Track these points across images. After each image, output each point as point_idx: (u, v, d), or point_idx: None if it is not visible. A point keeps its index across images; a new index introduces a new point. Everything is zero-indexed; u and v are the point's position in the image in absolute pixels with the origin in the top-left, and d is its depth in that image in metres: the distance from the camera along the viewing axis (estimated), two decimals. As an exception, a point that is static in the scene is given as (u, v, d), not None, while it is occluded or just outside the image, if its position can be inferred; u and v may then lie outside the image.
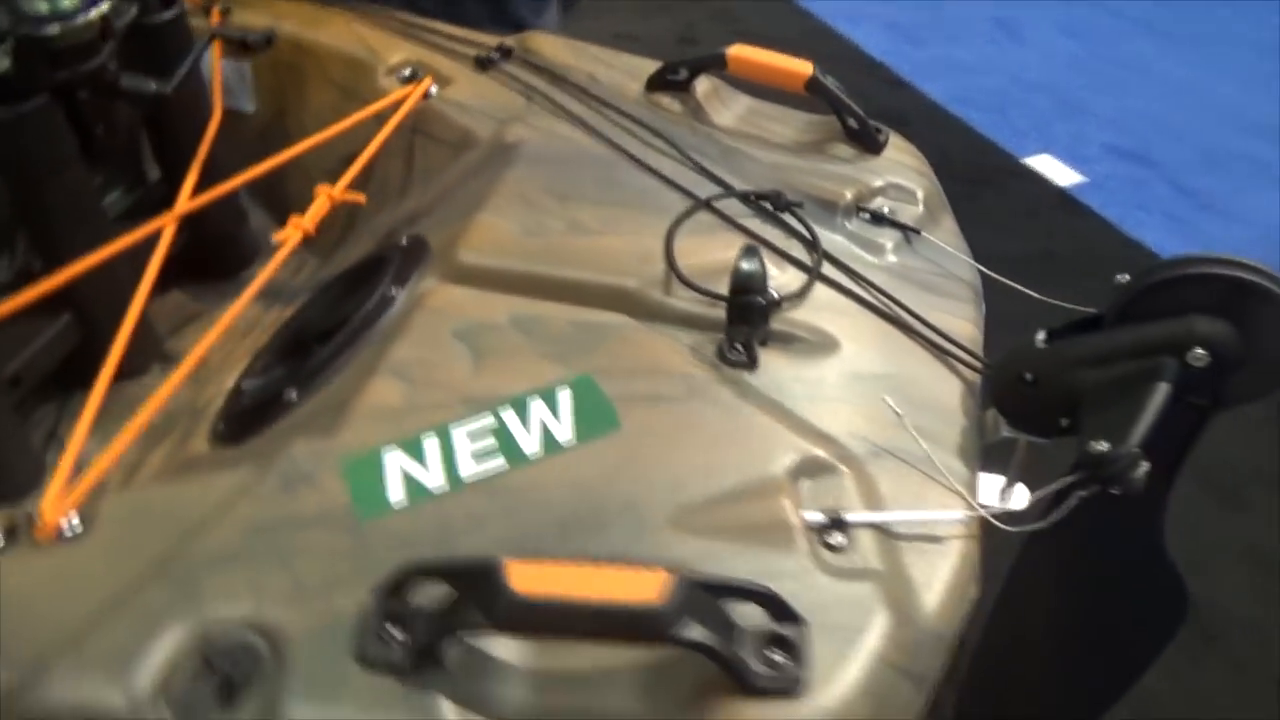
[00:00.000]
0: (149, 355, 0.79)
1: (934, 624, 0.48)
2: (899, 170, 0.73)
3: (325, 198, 0.69)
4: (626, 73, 0.81)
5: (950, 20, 3.53)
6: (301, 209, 0.91)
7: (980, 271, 0.69)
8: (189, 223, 0.78)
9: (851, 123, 0.73)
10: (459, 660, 0.43)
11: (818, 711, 0.43)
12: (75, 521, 0.49)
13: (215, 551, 0.47)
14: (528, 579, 0.40)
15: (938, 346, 0.60)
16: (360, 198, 0.72)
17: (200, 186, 0.72)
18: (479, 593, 0.41)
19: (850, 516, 0.50)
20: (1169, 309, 0.51)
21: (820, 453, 0.53)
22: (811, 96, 0.75)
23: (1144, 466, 0.49)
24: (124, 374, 0.78)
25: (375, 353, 0.58)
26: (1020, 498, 0.60)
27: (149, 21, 0.70)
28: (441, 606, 0.42)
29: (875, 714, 0.44)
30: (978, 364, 0.60)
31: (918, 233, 0.68)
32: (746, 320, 0.59)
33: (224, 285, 0.86)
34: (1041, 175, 2.82)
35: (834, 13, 3.45)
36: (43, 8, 0.59)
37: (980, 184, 2.73)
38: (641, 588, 0.40)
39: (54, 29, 0.58)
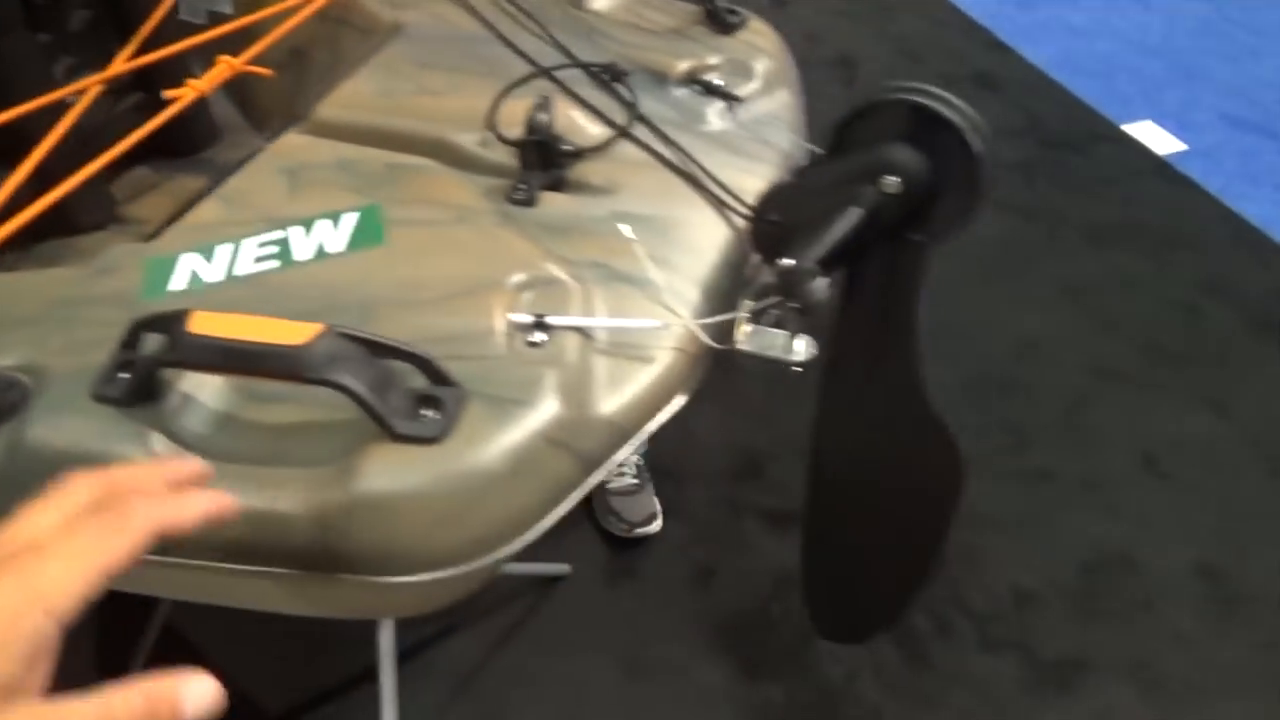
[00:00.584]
0: (105, 215, 0.91)
1: (609, 415, 0.52)
2: (743, 49, 0.76)
3: (225, 65, 0.78)
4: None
5: (1067, -18, 3.37)
6: (257, 103, 1.01)
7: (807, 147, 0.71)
8: (150, 101, 0.90)
9: (708, 6, 0.76)
10: (174, 403, 0.51)
11: (453, 458, 0.48)
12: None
13: (20, 316, 0.57)
14: (204, 324, 0.47)
15: (718, 199, 0.64)
16: (263, 71, 0.81)
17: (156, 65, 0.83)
18: (170, 335, 0.48)
19: (552, 319, 0.54)
20: (871, 139, 0.53)
21: (554, 270, 0.58)
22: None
23: (822, 281, 0.52)
24: (81, 228, 0.90)
25: (218, 184, 0.67)
26: (808, 346, 0.62)
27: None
28: (151, 350, 0.50)
29: (517, 472, 0.49)
30: (748, 212, 0.63)
31: (739, 100, 0.71)
32: (533, 163, 0.64)
33: (184, 162, 0.98)
34: (1139, 142, 2.67)
35: (940, -26, 3.35)
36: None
37: (1068, 148, 2.62)
38: (296, 335, 0.47)
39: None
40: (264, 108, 0.99)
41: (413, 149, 0.68)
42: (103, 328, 0.55)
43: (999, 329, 2.12)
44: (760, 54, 0.76)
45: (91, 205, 0.90)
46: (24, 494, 0.31)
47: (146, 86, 0.93)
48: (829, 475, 0.70)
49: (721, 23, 0.77)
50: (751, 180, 0.66)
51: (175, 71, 0.83)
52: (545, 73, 0.73)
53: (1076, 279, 2.24)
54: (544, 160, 0.64)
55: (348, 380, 0.47)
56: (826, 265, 0.52)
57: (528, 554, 0.51)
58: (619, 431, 0.53)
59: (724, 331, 0.56)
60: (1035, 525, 1.77)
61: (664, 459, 1.77)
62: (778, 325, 0.53)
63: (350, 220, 0.62)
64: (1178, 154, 2.62)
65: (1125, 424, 1.97)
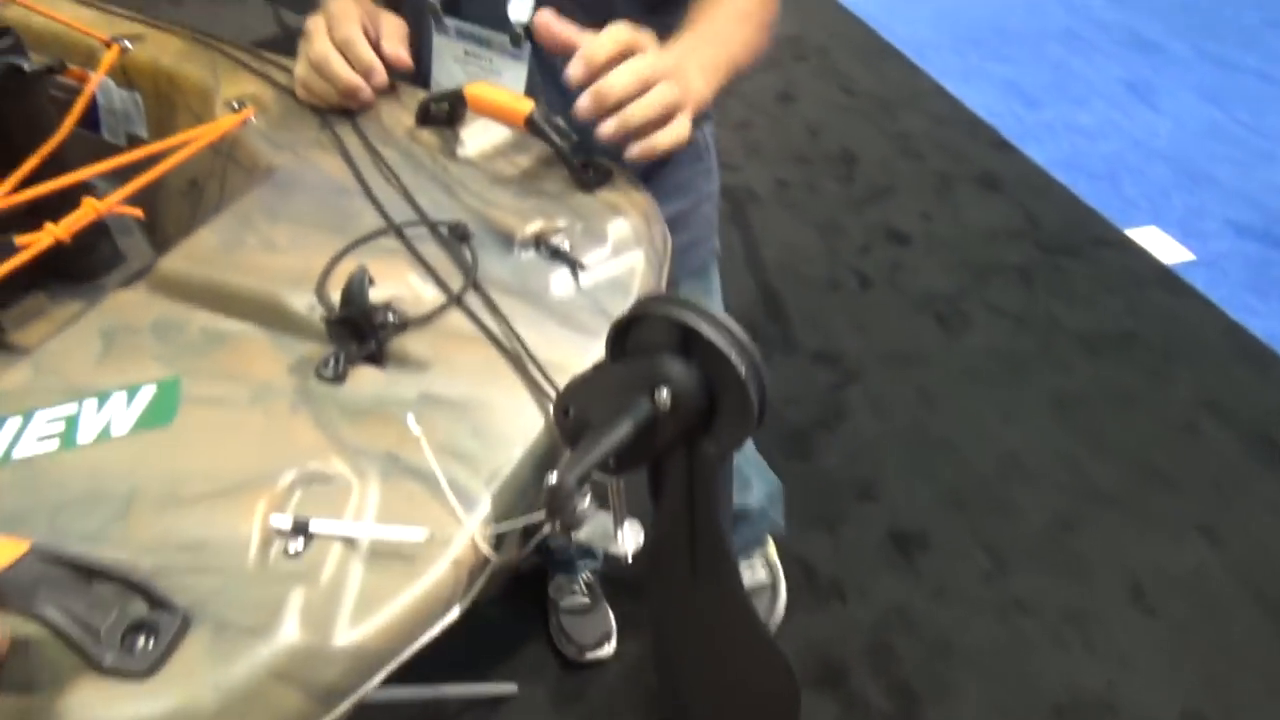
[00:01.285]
0: (-12, 341, 0.90)
1: (356, 644, 0.48)
2: (600, 209, 0.73)
3: (88, 207, 0.77)
4: (410, 107, 0.85)
5: (1075, 82, 3.36)
6: (162, 230, 1.00)
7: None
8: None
9: (570, 162, 0.74)
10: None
11: (161, 700, 0.44)
12: None
13: None
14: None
15: (536, 382, 0.60)
16: (135, 211, 0.80)
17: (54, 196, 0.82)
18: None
19: (315, 525, 0.51)
20: (649, 346, 0.49)
21: (336, 464, 0.54)
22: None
23: (584, 502, 0.48)
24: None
25: (40, 345, 0.65)
26: (633, 537, 0.58)
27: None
28: None
29: (231, 714, 0.45)
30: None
31: (582, 268, 0.68)
32: (344, 335, 0.61)
33: (82, 288, 0.97)
34: (1143, 249, 2.62)
35: (948, 71, 3.36)
36: None
37: (1069, 253, 2.58)
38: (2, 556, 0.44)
39: None
40: (168, 236, 0.98)
41: (246, 310, 0.66)
42: None
43: (983, 442, 2.06)
44: (616, 214, 0.73)
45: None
46: None
47: (39, 211, 0.93)
48: (671, 680, 0.65)
49: (581, 180, 0.74)
50: (580, 358, 0.62)
51: (74, 193, 0.82)
52: (395, 230, 0.71)
53: (1069, 392, 2.17)
54: (358, 333, 0.61)
55: (49, 611, 0.43)
56: (615, 469, 0.49)
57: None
58: (367, 661, 0.48)
59: (518, 536, 0.52)
60: (1010, 661, 1.69)
61: (622, 569, 1.72)
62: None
63: (145, 396, 0.59)
64: (1183, 263, 2.56)
65: (1112, 551, 1.89)
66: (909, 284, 2.45)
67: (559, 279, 0.68)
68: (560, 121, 0.75)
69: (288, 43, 0.94)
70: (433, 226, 0.70)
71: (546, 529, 0.49)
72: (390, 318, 0.63)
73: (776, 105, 3.21)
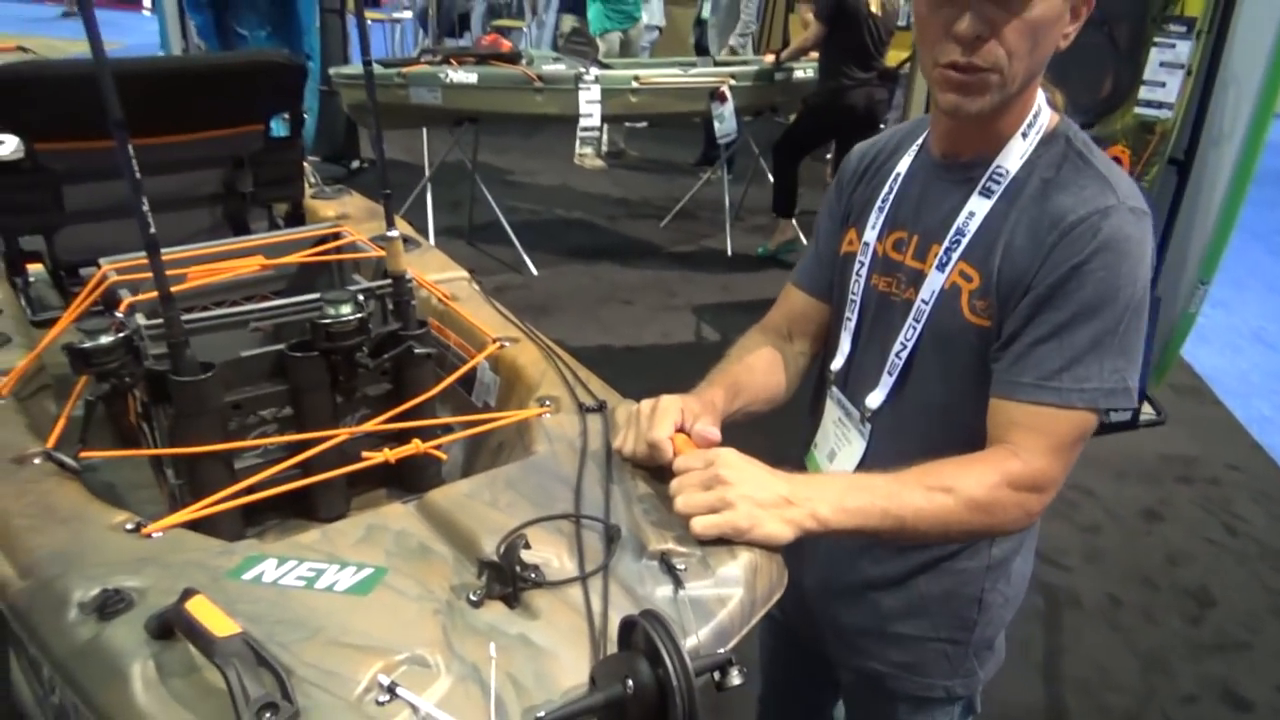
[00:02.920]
0: (340, 514, 1.30)
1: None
2: (720, 552, 0.92)
3: (414, 445, 1.14)
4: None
5: None
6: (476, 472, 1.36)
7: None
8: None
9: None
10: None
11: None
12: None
13: (168, 560, 0.91)
14: (193, 606, 0.76)
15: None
16: (439, 455, 1.15)
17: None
18: (177, 602, 0.78)
19: (399, 690, 0.75)
20: (637, 647, 0.68)
21: (435, 657, 0.79)
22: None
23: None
24: (320, 519, 1.29)
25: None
26: None
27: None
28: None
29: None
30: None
31: (682, 587, 0.88)
32: (492, 578, 0.87)
33: (410, 495, 1.35)
34: None
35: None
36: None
37: None
38: (223, 628, 0.74)
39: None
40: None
41: (454, 540, 0.95)
42: (187, 582, 0.87)
43: None
44: (731, 559, 0.92)
45: (333, 504, 1.29)
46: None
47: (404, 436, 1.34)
48: None
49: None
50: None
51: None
52: (570, 517, 0.96)
53: None
54: (502, 578, 0.86)
55: (229, 670, 0.71)
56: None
57: None
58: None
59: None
60: None
61: None
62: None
63: (364, 573, 0.89)
64: None
65: None
66: (1232, 757, 2.16)
67: (664, 588, 0.88)
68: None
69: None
70: (602, 521, 0.95)
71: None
72: (532, 575, 0.88)
73: (1138, 519, 3.07)
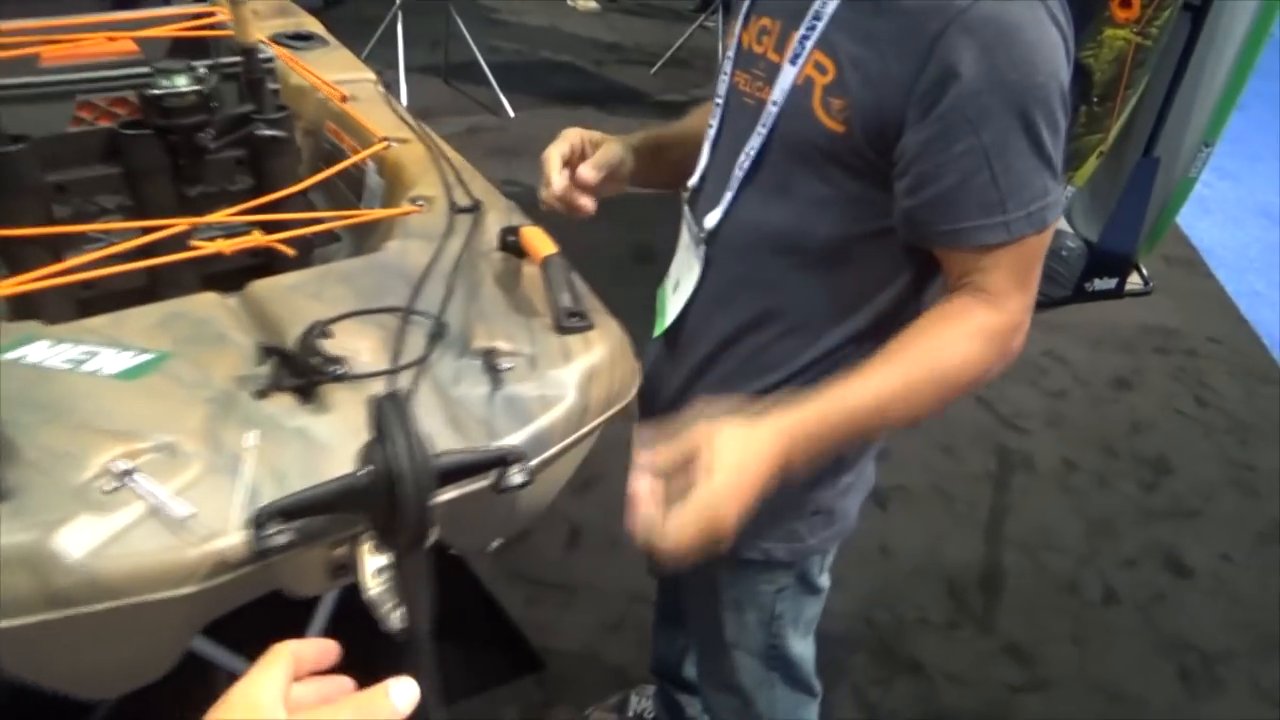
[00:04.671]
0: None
1: (90, 564, 0.62)
2: (555, 355, 0.82)
3: (254, 237, 1.02)
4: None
5: None
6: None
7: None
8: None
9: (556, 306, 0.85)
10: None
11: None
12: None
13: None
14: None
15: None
16: (287, 250, 1.04)
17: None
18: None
19: (135, 478, 0.65)
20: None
21: (190, 446, 0.69)
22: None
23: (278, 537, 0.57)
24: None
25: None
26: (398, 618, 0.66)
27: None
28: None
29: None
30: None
31: (498, 387, 0.78)
32: (274, 365, 0.76)
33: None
34: None
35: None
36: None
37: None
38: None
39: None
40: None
41: (261, 329, 0.84)
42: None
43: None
44: (565, 363, 0.81)
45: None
46: None
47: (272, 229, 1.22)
48: None
49: (559, 323, 0.84)
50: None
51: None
52: (396, 310, 0.86)
53: None
54: (295, 369, 0.76)
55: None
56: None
57: None
58: (96, 588, 0.61)
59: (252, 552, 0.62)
60: None
61: None
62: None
63: (141, 358, 0.79)
64: None
65: None
66: (1163, 621, 2.12)
67: (481, 388, 0.78)
68: (573, 278, 0.87)
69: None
70: (430, 316, 0.84)
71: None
72: (332, 368, 0.78)
73: (1107, 387, 2.97)
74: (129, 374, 0.77)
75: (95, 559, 0.62)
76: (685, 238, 0.96)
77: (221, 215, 1.09)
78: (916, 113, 0.76)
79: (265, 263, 1.11)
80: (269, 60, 1.14)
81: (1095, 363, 3.09)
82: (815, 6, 0.81)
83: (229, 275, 1.10)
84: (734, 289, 0.89)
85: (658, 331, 0.98)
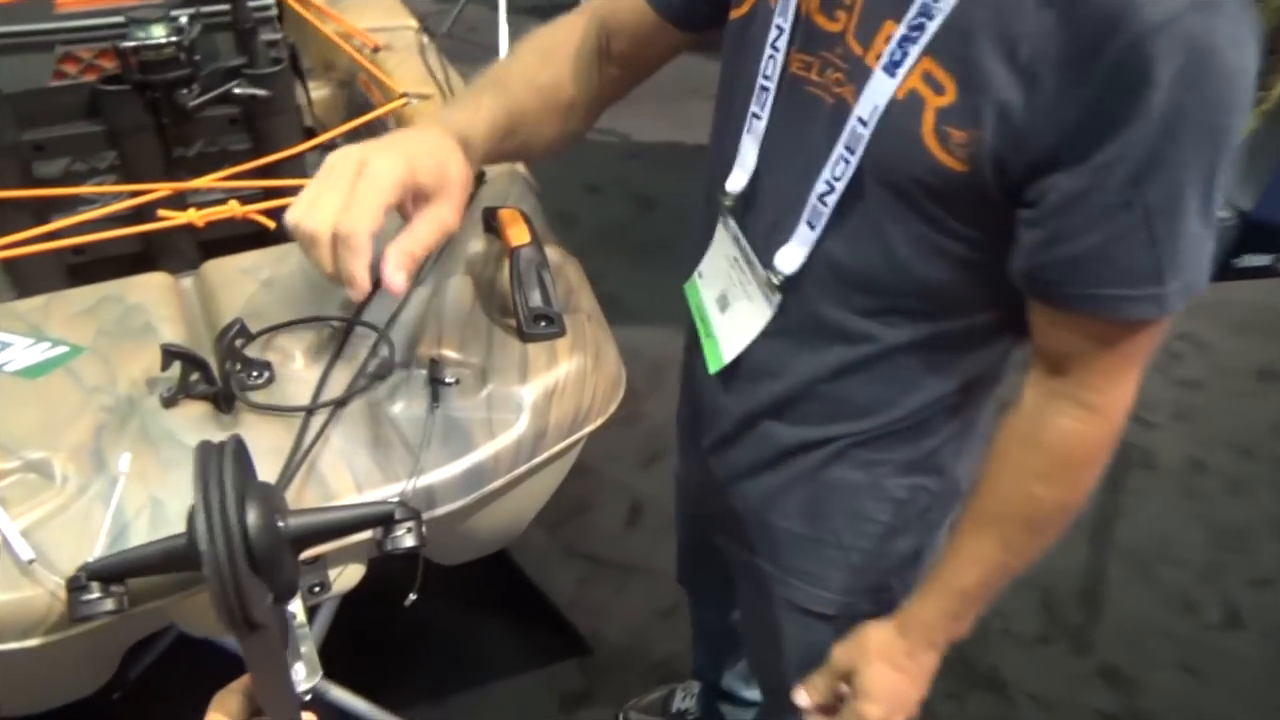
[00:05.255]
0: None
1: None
2: (512, 367, 0.69)
3: (231, 208, 0.93)
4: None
5: None
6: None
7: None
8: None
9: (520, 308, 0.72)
10: None
11: None
12: None
13: None
14: None
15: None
16: (266, 222, 0.94)
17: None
18: None
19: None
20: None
21: (66, 468, 0.60)
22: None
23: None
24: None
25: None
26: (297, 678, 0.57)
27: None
28: None
29: None
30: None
31: (435, 406, 0.66)
32: (183, 368, 0.66)
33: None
34: None
35: None
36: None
37: None
38: None
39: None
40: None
41: (209, 321, 0.75)
42: None
43: None
44: (522, 380, 0.69)
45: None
46: None
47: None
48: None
49: (521, 328, 0.71)
50: (338, 475, 0.61)
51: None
52: (336, 320, 0.74)
53: None
54: (201, 370, 0.66)
55: None
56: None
57: None
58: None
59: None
60: None
61: None
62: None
63: (54, 352, 0.70)
64: None
65: None
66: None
67: (418, 406, 0.66)
68: (544, 274, 0.74)
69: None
70: (373, 328, 0.73)
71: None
72: (252, 374, 0.67)
73: (1248, 379, 2.65)
74: (31, 372, 0.68)
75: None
76: (732, 251, 0.76)
77: (205, 181, 1.00)
78: (1072, 153, 0.57)
79: (265, 231, 1.02)
80: (265, 8, 1.03)
81: (1237, 350, 2.75)
82: None
83: (229, 242, 1.02)
84: (812, 335, 0.73)
85: (712, 369, 0.78)
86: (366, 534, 0.52)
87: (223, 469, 0.43)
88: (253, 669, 0.48)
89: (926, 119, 0.60)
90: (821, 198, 0.66)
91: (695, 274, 0.82)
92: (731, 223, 0.76)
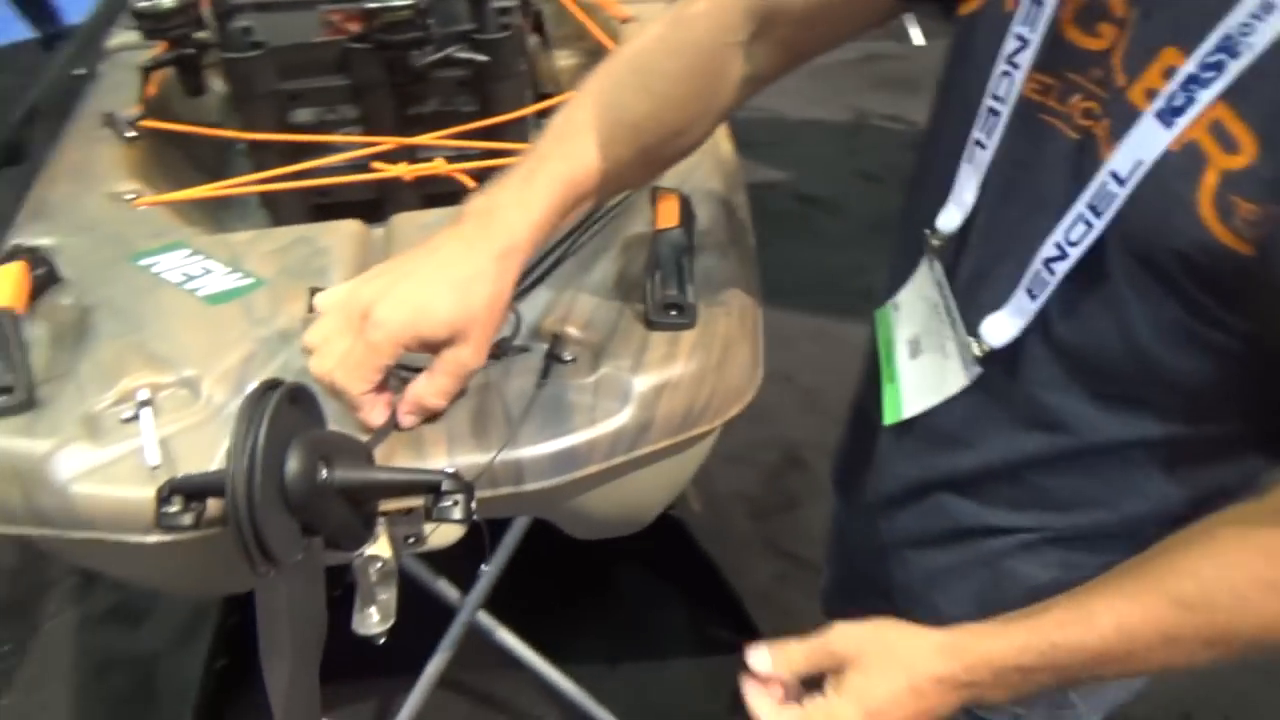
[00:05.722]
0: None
1: (71, 491, 0.62)
2: (633, 351, 0.68)
3: (437, 164, 0.98)
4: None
5: None
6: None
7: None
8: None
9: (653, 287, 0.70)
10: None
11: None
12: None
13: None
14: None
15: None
16: (467, 181, 0.98)
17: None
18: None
19: (143, 411, 0.64)
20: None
21: (213, 389, 0.67)
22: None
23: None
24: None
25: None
26: (369, 621, 0.61)
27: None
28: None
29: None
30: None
31: (541, 383, 0.66)
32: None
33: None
34: None
35: None
36: None
37: None
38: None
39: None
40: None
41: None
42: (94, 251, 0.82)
43: None
44: (637, 369, 0.66)
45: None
46: None
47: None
48: None
49: (649, 315, 0.69)
50: (434, 435, 0.63)
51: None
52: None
53: None
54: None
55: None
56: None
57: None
58: (72, 515, 0.61)
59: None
60: None
61: None
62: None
63: (239, 283, 0.77)
64: None
65: None
66: None
67: (526, 379, 0.67)
68: (685, 262, 0.71)
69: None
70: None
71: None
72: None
73: None
74: (216, 299, 0.76)
75: (75, 486, 0.61)
76: (933, 297, 0.65)
77: (427, 138, 1.06)
78: None
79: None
80: (500, -29, 1.07)
81: None
82: (1233, 20, 0.45)
83: (449, 197, 1.08)
84: (1016, 414, 0.62)
85: (887, 419, 0.70)
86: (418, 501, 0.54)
87: (264, 411, 0.46)
88: (261, 608, 0.50)
89: (1206, 182, 0.47)
90: (1049, 263, 0.54)
91: (890, 303, 0.71)
92: (937, 265, 0.65)
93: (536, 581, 1.66)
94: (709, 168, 0.92)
